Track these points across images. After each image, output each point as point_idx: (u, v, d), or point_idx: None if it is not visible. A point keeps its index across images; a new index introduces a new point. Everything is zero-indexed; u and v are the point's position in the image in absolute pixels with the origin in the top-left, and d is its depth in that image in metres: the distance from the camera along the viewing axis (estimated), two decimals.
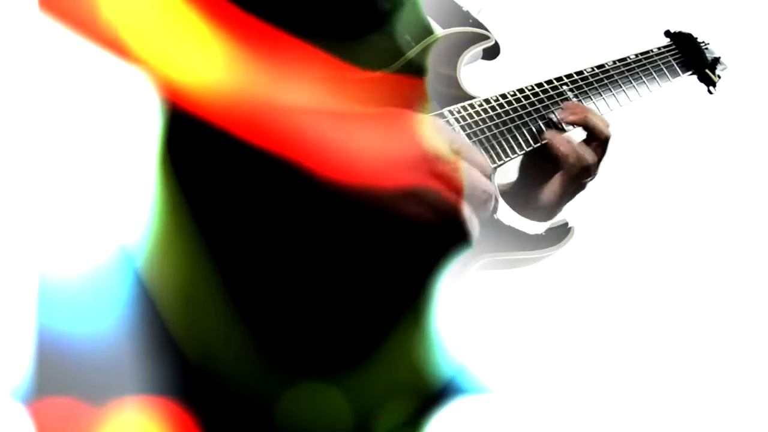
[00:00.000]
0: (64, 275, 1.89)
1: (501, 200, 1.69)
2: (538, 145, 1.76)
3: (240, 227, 1.45)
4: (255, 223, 1.46)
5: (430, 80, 1.66)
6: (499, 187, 1.78)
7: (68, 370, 1.92)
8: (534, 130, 1.76)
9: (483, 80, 1.79)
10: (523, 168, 1.80)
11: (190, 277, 1.43)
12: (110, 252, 1.48)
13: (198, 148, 1.46)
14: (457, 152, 1.49)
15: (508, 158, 1.71)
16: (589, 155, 1.73)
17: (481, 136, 1.70)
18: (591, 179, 1.75)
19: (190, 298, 1.43)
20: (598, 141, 1.75)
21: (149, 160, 1.44)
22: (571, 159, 1.72)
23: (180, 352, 1.43)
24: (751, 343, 2.77)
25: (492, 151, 1.70)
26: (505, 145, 1.72)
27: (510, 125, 1.74)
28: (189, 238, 1.43)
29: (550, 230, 1.74)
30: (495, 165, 1.69)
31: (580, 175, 1.73)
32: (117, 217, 1.46)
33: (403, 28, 1.65)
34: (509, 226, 1.69)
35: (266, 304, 1.46)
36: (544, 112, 1.78)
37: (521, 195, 1.78)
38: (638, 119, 2.02)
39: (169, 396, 1.44)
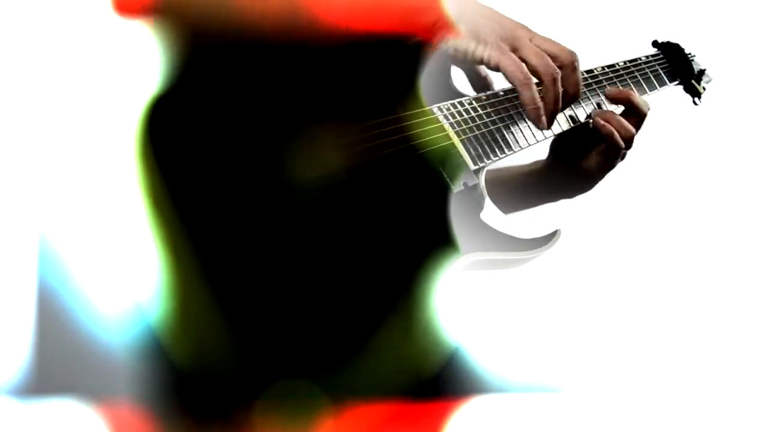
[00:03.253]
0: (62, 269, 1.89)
1: (489, 201, 1.69)
2: (529, 147, 1.77)
3: (227, 229, 1.45)
4: (241, 223, 1.46)
5: (422, 77, 1.67)
6: (522, 168, 1.91)
7: (66, 370, 1.91)
8: (522, 130, 1.76)
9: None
10: (556, 148, 1.88)
11: (178, 281, 1.43)
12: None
13: (182, 142, 1.46)
14: None
15: (497, 158, 1.72)
16: (631, 127, 1.83)
17: (470, 135, 1.70)
18: (627, 151, 1.85)
19: (179, 301, 1.43)
20: (637, 117, 1.86)
21: (132, 159, 1.44)
22: (618, 132, 1.81)
23: (171, 357, 1.43)
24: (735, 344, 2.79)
25: (480, 150, 1.70)
26: (494, 145, 1.72)
27: (500, 125, 1.74)
28: (175, 241, 1.43)
29: (536, 233, 1.75)
30: (483, 164, 1.70)
31: (619, 148, 1.82)
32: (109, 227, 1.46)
33: None
34: (495, 228, 1.69)
35: (255, 306, 1.46)
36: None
37: (556, 172, 1.88)
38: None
39: (160, 400, 1.44)
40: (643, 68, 1.96)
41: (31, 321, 1.94)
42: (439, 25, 1.65)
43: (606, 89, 1.87)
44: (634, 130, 1.84)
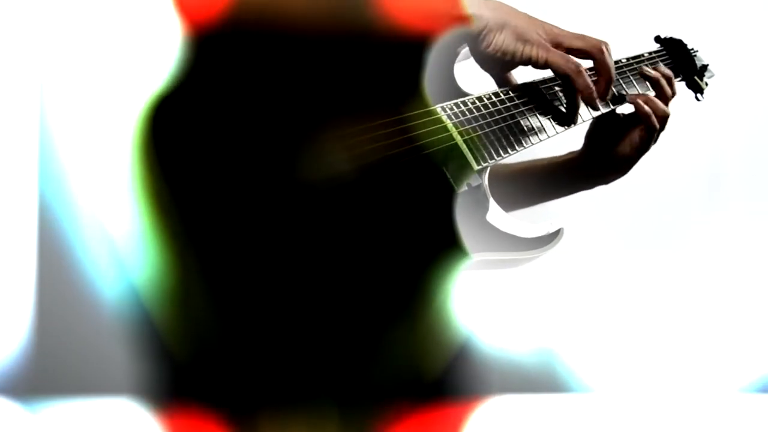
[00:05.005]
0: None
1: (493, 201, 1.69)
2: (532, 146, 1.77)
3: (232, 230, 1.45)
4: (247, 224, 1.46)
5: (425, 77, 1.67)
6: (556, 158, 1.93)
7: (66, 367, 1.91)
8: (525, 130, 1.76)
9: (477, 78, 1.79)
10: (591, 136, 1.92)
11: (179, 278, 1.43)
12: (101, 252, 1.48)
13: (186, 142, 1.46)
14: None
15: (500, 157, 1.71)
16: (666, 108, 1.89)
17: (473, 135, 1.70)
18: (660, 133, 1.90)
19: (180, 298, 1.43)
20: (668, 97, 1.91)
21: (132, 157, 1.44)
22: (655, 113, 1.86)
23: (170, 352, 1.43)
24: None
25: (484, 150, 1.70)
26: (498, 145, 1.72)
27: (502, 124, 1.74)
28: (176, 238, 1.43)
29: (539, 232, 1.75)
30: (486, 164, 1.69)
31: (654, 129, 1.87)
32: (105, 217, 1.46)
33: None
34: (499, 228, 1.69)
35: (254, 302, 1.46)
36: (536, 112, 1.78)
37: (593, 159, 1.91)
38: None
39: (159, 394, 1.44)
40: (646, 64, 1.96)
41: (30, 317, 1.94)
42: (488, 30, 1.71)
43: (641, 67, 1.94)
44: (669, 111, 1.89)
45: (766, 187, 2.87)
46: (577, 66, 1.74)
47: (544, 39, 1.73)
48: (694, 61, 2.03)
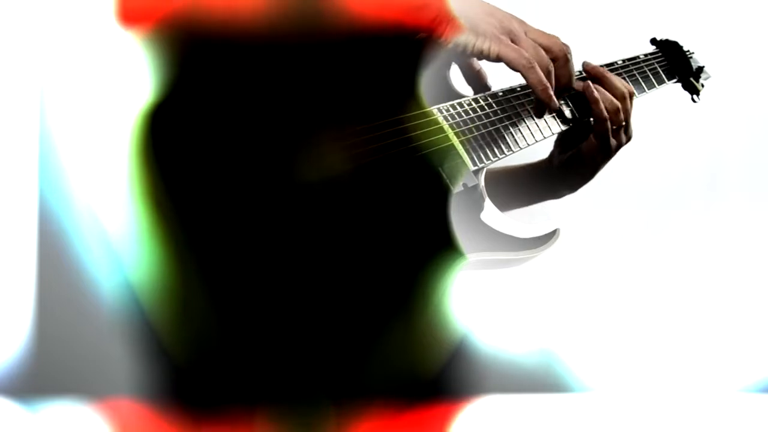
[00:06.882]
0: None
1: (489, 201, 1.70)
2: (528, 146, 1.77)
3: (229, 231, 1.46)
4: (244, 225, 1.46)
5: (421, 79, 1.67)
6: (528, 164, 1.92)
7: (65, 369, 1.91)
8: (521, 130, 1.77)
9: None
10: (561, 143, 1.88)
11: (177, 279, 1.43)
12: (99, 253, 1.48)
13: (183, 145, 1.47)
14: None
15: (496, 158, 1.72)
16: (615, 101, 1.83)
17: (470, 135, 1.70)
18: (624, 138, 1.85)
19: (178, 300, 1.44)
20: (615, 95, 1.85)
21: (130, 160, 1.45)
22: (604, 102, 1.82)
23: (168, 353, 1.44)
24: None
25: (480, 151, 1.70)
26: (494, 146, 1.72)
27: (498, 125, 1.75)
28: (175, 240, 1.43)
29: (535, 232, 1.75)
30: (483, 164, 1.70)
31: (603, 119, 1.81)
32: (104, 218, 1.47)
33: None
34: (495, 228, 1.70)
35: (252, 302, 1.46)
36: (533, 113, 1.79)
37: (558, 164, 1.88)
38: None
39: (158, 396, 1.45)
40: (642, 66, 1.96)
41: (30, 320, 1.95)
42: (439, 20, 1.65)
43: (584, 62, 1.87)
44: (618, 104, 1.82)
45: (765, 186, 2.87)
46: (530, 61, 1.68)
47: (500, 32, 1.68)
48: (690, 62, 2.03)
